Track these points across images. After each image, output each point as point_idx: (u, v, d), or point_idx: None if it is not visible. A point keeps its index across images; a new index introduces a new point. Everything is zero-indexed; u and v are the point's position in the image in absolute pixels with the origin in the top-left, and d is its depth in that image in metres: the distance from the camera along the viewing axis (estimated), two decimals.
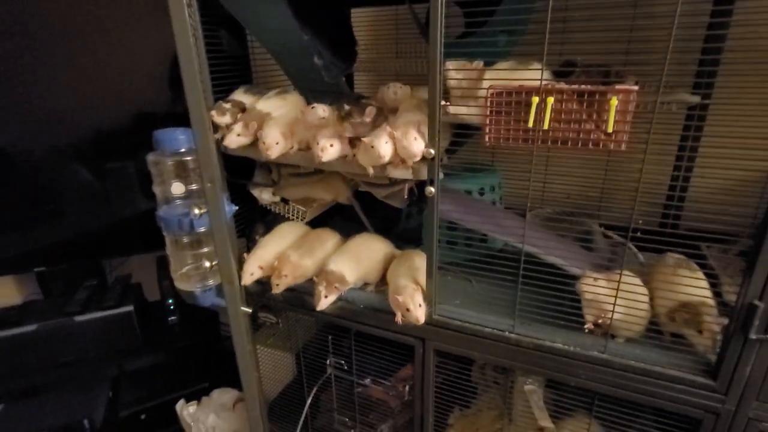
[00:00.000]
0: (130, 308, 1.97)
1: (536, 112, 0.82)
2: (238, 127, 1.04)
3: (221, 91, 1.19)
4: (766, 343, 0.81)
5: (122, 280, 2.15)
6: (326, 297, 1.13)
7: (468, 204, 1.13)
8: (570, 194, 1.54)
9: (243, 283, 1.14)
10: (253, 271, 1.14)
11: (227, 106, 1.07)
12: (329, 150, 1.02)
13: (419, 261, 1.16)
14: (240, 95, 1.18)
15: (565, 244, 1.13)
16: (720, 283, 1.02)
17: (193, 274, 0.99)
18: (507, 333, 1.03)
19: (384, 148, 0.95)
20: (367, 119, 1.03)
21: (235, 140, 1.04)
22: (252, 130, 1.05)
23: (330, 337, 1.33)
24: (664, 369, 0.91)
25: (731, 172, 1.17)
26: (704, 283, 0.94)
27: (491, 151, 1.64)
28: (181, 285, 0.96)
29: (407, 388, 1.27)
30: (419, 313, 1.02)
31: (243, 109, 1.17)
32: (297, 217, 1.39)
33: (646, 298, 0.94)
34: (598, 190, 1.56)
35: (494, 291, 1.14)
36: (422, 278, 1.09)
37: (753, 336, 0.80)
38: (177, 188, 1.01)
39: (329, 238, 1.30)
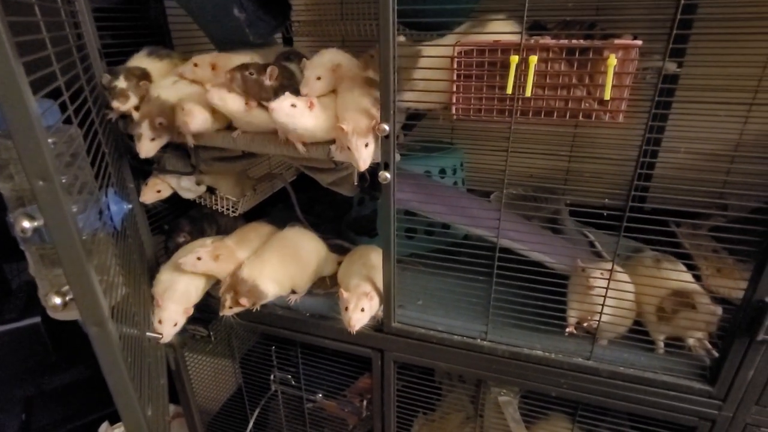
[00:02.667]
0: (36, 319, 1.67)
1: (515, 76, 0.65)
2: (147, 134, 0.86)
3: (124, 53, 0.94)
4: None
5: (28, 287, 1.83)
6: (230, 308, 0.93)
7: (429, 189, 0.96)
8: (533, 173, 1.42)
9: (163, 341, 0.91)
10: (176, 320, 0.92)
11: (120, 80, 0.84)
12: (196, 115, 0.85)
13: (375, 258, 0.98)
14: (141, 60, 0.93)
15: (544, 236, 0.99)
16: (699, 268, 0.93)
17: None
18: (479, 340, 0.88)
19: (283, 107, 0.76)
20: (267, 80, 0.82)
21: (151, 146, 0.87)
22: (162, 127, 0.86)
23: (273, 348, 1.14)
24: (655, 375, 0.80)
25: (699, 146, 1.09)
26: (688, 275, 0.84)
27: (449, 126, 1.48)
28: (56, 314, 0.73)
29: (365, 402, 1.11)
30: (354, 317, 0.85)
31: (145, 76, 0.92)
32: (228, 209, 1.16)
33: (632, 295, 0.82)
34: (562, 167, 1.45)
35: (461, 287, 0.98)
36: (379, 278, 0.92)
37: (761, 337, 0.69)
38: None
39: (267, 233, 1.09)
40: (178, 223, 1.13)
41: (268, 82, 0.81)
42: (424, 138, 1.39)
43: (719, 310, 0.76)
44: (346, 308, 0.85)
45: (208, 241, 1.04)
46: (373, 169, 0.91)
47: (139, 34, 1.04)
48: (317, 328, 1.00)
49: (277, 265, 0.98)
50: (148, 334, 0.74)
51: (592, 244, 1.13)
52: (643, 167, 1.15)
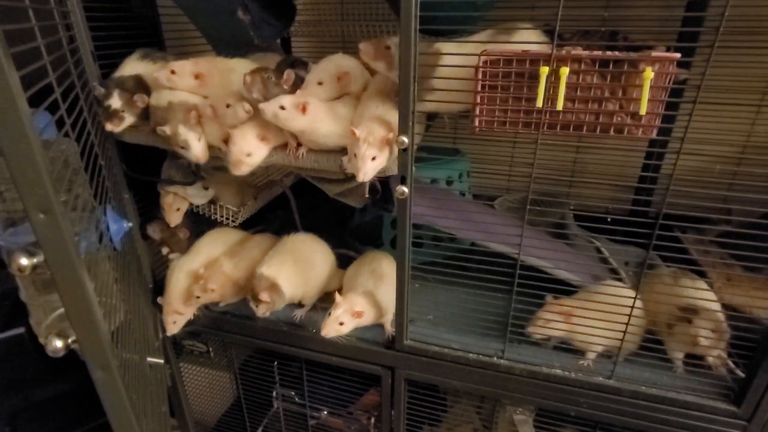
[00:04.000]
0: (20, 330, 1.60)
1: (545, 88, 0.61)
2: (193, 136, 0.79)
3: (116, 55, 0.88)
4: None
5: (9, 295, 1.74)
6: (257, 305, 0.89)
7: (445, 203, 0.92)
8: (536, 179, 1.39)
9: (168, 333, 0.90)
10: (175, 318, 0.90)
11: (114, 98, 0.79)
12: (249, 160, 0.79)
13: (387, 266, 0.95)
14: (134, 64, 0.87)
15: (566, 252, 0.95)
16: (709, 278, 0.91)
17: (68, 327, 0.69)
18: (495, 359, 0.85)
19: (271, 106, 0.72)
20: (285, 85, 0.77)
21: (201, 146, 0.81)
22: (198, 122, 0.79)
23: (276, 364, 1.09)
24: (678, 394, 0.77)
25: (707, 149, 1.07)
26: (709, 293, 0.82)
27: (452, 134, 1.44)
28: (50, 343, 0.67)
29: (372, 420, 1.07)
30: (329, 326, 0.83)
31: (139, 86, 0.86)
32: (228, 219, 1.11)
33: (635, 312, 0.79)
34: (566, 174, 1.43)
35: (473, 301, 0.95)
36: (385, 291, 0.88)
37: None
38: None
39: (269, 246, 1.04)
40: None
41: (285, 87, 0.77)
42: (429, 145, 1.35)
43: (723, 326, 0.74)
44: (329, 312, 0.83)
45: (197, 264, 0.97)
46: (384, 180, 0.87)
47: (130, 35, 0.98)
48: (324, 344, 0.95)
49: (292, 268, 0.94)
50: (149, 359, 0.69)
51: (599, 252, 1.11)
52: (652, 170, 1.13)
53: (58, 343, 0.45)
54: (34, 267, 0.41)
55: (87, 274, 0.42)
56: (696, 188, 0.63)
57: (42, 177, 0.37)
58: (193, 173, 0.94)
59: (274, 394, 1.10)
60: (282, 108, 0.72)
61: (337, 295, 0.85)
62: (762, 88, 1.15)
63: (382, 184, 0.88)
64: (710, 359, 0.79)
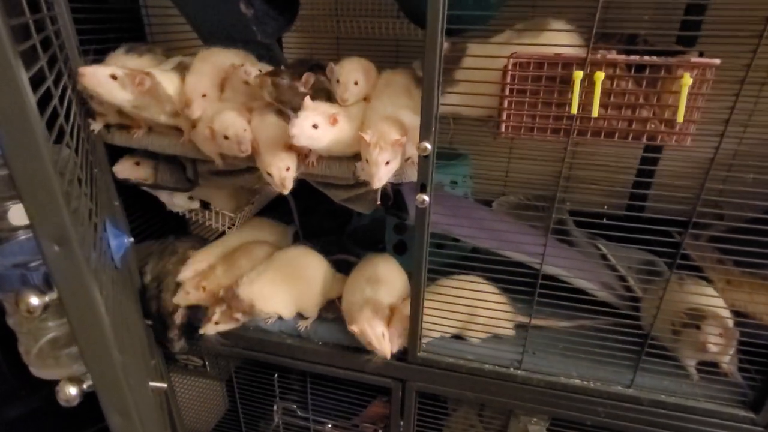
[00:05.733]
0: None
1: (579, 93, 0.59)
2: (117, 69, 0.71)
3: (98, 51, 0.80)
4: None
5: None
6: (217, 323, 0.87)
7: (461, 210, 0.89)
8: (531, 180, 1.38)
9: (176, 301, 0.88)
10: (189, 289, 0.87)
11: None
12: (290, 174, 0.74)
13: (384, 271, 0.91)
14: (120, 60, 0.80)
15: (583, 260, 0.94)
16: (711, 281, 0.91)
17: (61, 354, 0.62)
18: (512, 369, 0.83)
19: (304, 130, 0.67)
20: (302, 88, 0.73)
21: (104, 81, 0.69)
22: (139, 87, 0.72)
23: (276, 376, 1.04)
24: (696, 402, 0.77)
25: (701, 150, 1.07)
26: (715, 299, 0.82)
27: (450, 132, 1.41)
28: (41, 372, 0.60)
29: None
30: (384, 346, 0.79)
31: None
32: (223, 226, 1.05)
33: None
34: (563, 174, 1.42)
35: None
36: (386, 294, 0.85)
37: None
38: (18, 215, 0.61)
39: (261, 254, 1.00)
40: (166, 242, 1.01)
41: (302, 90, 0.71)
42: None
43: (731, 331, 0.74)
44: (370, 343, 0.78)
45: (188, 270, 0.94)
46: (395, 185, 0.83)
47: (111, 29, 0.90)
48: (331, 357, 0.91)
49: (279, 286, 0.90)
50: (151, 384, 0.64)
51: (604, 257, 1.11)
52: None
53: (73, 391, 0.40)
54: (46, 307, 0.35)
55: (106, 311, 0.36)
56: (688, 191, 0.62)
57: (58, 202, 0.31)
58: (188, 180, 0.88)
59: (275, 407, 1.05)
60: (315, 127, 0.67)
61: (353, 329, 0.80)
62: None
63: (394, 191, 0.85)
64: (724, 366, 0.79)
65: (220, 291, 0.89)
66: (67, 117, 0.50)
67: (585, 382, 0.80)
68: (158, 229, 1.09)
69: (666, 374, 0.80)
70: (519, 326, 0.87)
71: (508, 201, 1.37)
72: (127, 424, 0.40)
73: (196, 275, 0.93)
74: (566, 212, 1.23)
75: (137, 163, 0.89)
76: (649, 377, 0.80)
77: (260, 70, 0.76)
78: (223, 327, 0.88)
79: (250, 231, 1.09)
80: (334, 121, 0.68)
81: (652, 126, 0.60)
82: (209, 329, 0.87)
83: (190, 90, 0.73)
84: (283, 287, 0.91)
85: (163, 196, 0.95)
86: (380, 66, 0.85)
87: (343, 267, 1.05)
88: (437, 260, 0.97)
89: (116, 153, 0.86)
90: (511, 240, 0.77)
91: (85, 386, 0.40)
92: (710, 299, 0.80)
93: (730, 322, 0.77)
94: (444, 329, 0.83)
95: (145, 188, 0.92)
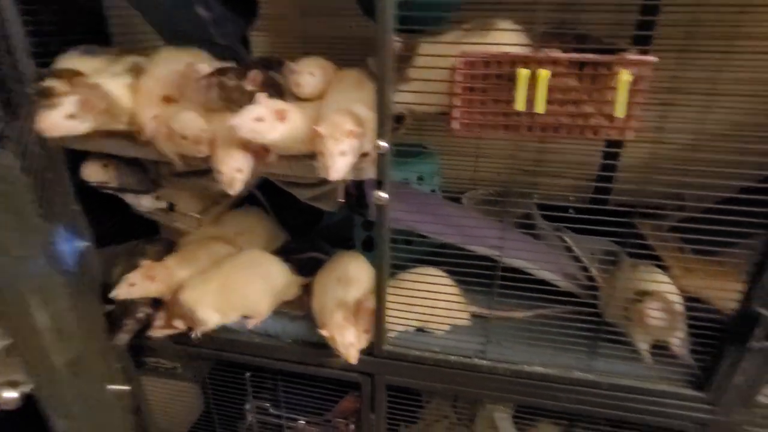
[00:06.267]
0: None
1: (524, 90, 0.61)
2: (70, 103, 0.67)
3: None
4: (764, 351, 0.72)
5: None
6: (160, 328, 0.86)
7: (423, 206, 0.91)
8: (500, 173, 1.41)
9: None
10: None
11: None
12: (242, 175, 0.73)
13: (354, 270, 0.92)
14: (74, 61, 0.79)
15: (547, 252, 0.96)
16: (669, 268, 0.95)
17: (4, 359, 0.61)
18: (477, 360, 0.85)
19: (245, 121, 0.66)
20: (249, 86, 0.73)
21: (63, 124, 0.67)
22: (95, 111, 0.70)
23: (248, 375, 1.05)
24: (652, 384, 0.80)
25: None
26: (664, 281, 0.85)
27: (416, 129, 1.43)
28: None
29: (351, 426, 1.05)
30: (351, 354, 0.80)
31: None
32: (189, 227, 1.05)
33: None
34: (529, 167, 1.45)
35: None
36: (355, 293, 0.86)
37: (754, 345, 0.71)
38: None
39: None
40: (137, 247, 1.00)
41: (249, 88, 0.71)
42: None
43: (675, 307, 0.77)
44: (335, 345, 0.79)
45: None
46: (359, 183, 0.85)
47: (70, 30, 0.89)
48: (301, 354, 0.92)
49: (223, 294, 0.89)
50: (109, 387, 0.63)
51: (569, 249, 1.14)
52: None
53: (12, 394, 0.40)
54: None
55: (50, 318, 0.37)
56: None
57: None
58: (150, 181, 0.88)
59: (248, 406, 1.05)
60: (259, 120, 0.66)
61: (322, 333, 0.81)
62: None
63: (357, 188, 0.86)
64: (675, 348, 0.83)
65: (172, 285, 0.88)
66: (9, 120, 0.49)
67: (547, 369, 0.83)
68: (128, 231, 1.08)
69: (622, 358, 0.83)
70: (481, 317, 0.89)
71: (477, 196, 1.40)
72: (73, 427, 0.40)
73: (144, 267, 0.90)
74: (534, 205, 1.26)
75: (105, 165, 0.87)
76: (606, 362, 0.83)
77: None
78: (167, 332, 0.86)
79: (242, 225, 1.10)
80: (281, 117, 0.68)
81: (595, 121, 0.63)
82: (154, 332, 0.85)
83: (145, 95, 0.73)
84: (226, 296, 0.89)
85: (129, 198, 0.94)
86: (347, 66, 0.86)
87: (312, 266, 1.06)
88: (404, 256, 0.99)
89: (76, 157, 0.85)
90: (475, 234, 0.79)
91: (25, 389, 0.40)
92: (660, 284, 0.84)
93: (677, 303, 0.80)
94: (406, 323, 0.84)
95: (109, 191, 0.91)
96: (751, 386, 0.77)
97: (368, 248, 1.12)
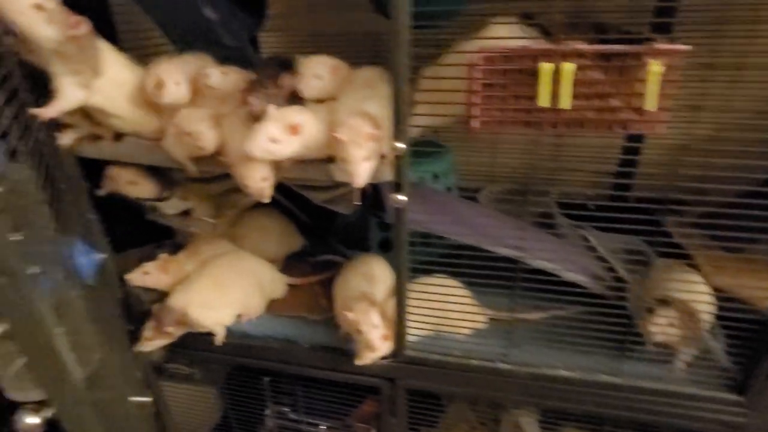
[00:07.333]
0: None
1: (548, 85, 0.58)
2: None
3: None
4: None
5: None
6: (149, 340, 0.84)
7: (442, 206, 0.88)
8: (516, 169, 1.37)
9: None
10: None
11: None
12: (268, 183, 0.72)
13: (378, 269, 0.91)
14: None
15: (571, 251, 0.93)
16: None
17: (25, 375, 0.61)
18: (499, 364, 0.83)
19: (260, 145, 0.65)
20: (282, 94, 0.71)
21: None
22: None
23: (268, 381, 1.04)
24: (682, 387, 0.77)
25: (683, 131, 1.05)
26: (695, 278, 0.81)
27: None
28: (18, 395, 0.59)
29: (372, 431, 1.04)
30: (374, 336, 0.77)
31: None
32: (204, 231, 1.04)
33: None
34: (546, 161, 1.41)
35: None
36: (380, 291, 0.85)
37: None
38: None
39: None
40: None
41: (283, 95, 0.70)
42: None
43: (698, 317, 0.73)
44: (359, 330, 0.77)
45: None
46: (375, 185, 0.82)
47: None
48: (320, 359, 0.91)
49: (212, 291, 0.88)
50: (131, 399, 0.63)
51: (592, 248, 1.10)
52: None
53: (35, 420, 0.39)
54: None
55: (67, 335, 0.36)
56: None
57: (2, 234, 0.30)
58: (166, 187, 0.87)
59: (268, 411, 1.05)
60: (273, 141, 0.64)
61: (347, 315, 0.79)
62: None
63: (373, 189, 0.84)
64: (681, 359, 0.79)
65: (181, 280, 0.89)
66: (24, 133, 0.48)
67: (571, 373, 0.80)
68: (142, 236, 1.08)
69: (651, 360, 0.80)
70: (500, 319, 0.87)
71: (493, 193, 1.37)
72: None
73: (161, 259, 0.92)
74: (553, 202, 1.22)
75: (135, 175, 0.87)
76: (634, 364, 0.80)
77: (224, 73, 0.74)
78: (158, 343, 0.85)
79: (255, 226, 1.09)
80: (294, 131, 0.66)
81: (624, 116, 0.60)
82: (144, 346, 0.84)
83: (162, 71, 0.71)
84: (218, 293, 0.88)
85: (155, 205, 0.93)
86: (357, 64, 0.84)
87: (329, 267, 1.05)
88: (421, 258, 0.97)
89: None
90: (497, 235, 0.77)
91: (47, 414, 0.40)
92: (691, 285, 0.80)
93: (701, 311, 0.76)
94: (426, 327, 0.82)
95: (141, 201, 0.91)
96: None
97: (385, 249, 1.11)
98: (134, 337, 0.83)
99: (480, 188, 1.33)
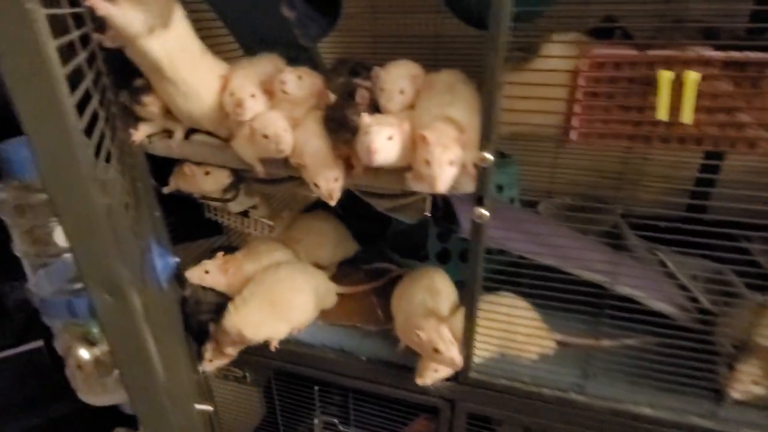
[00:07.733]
0: (39, 343, 1.53)
1: (667, 96, 0.52)
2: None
3: None
4: None
5: (23, 307, 1.68)
6: (211, 361, 0.85)
7: (512, 219, 0.83)
8: (579, 182, 1.29)
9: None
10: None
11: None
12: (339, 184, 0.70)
13: (440, 282, 0.86)
14: None
15: (653, 276, 0.86)
16: None
17: (108, 382, 0.61)
18: (573, 395, 0.76)
19: (384, 145, 0.62)
20: (360, 108, 0.68)
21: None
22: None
23: (317, 390, 1.01)
24: None
25: None
26: None
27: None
28: (89, 398, 0.59)
29: None
30: (454, 353, 0.72)
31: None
32: (261, 233, 1.03)
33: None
34: (614, 176, 1.32)
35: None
36: (445, 307, 0.80)
37: None
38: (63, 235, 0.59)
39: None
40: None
41: (361, 109, 0.67)
42: None
43: None
44: (437, 350, 0.72)
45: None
46: (447, 195, 0.78)
47: None
48: (376, 373, 0.87)
49: (267, 309, 0.86)
50: (197, 406, 0.61)
51: (663, 264, 1.02)
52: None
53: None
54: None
55: (159, 356, 0.33)
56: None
57: (108, 249, 0.28)
58: (234, 185, 0.86)
59: (316, 421, 1.02)
60: (390, 139, 0.62)
61: (420, 334, 0.74)
62: None
63: (444, 201, 0.79)
64: None
65: (238, 281, 0.87)
66: (112, 134, 0.47)
67: (656, 412, 0.73)
68: (193, 231, 1.07)
69: (751, 405, 0.72)
70: (569, 345, 0.81)
71: (555, 203, 1.30)
72: None
73: (221, 258, 0.89)
74: (620, 216, 1.14)
75: (207, 174, 0.85)
76: (730, 407, 0.72)
77: (300, 77, 0.72)
78: (219, 363, 0.86)
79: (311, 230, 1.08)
80: (403, 130, 0.63)
81: (751, 133, 0.53)
82: (206, 366, 0.85)
83: (238, 88, 0.70)
84: (274, 312, 0.86)
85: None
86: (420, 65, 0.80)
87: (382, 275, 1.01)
88: (489, 275, 0.92)
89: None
90: (579, 257, 0.71)
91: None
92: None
93: None
94: (490, 348, 0.77)
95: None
96: None
97: (443, 261, 1.06)
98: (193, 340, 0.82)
99: (537, 201, 1.26)
